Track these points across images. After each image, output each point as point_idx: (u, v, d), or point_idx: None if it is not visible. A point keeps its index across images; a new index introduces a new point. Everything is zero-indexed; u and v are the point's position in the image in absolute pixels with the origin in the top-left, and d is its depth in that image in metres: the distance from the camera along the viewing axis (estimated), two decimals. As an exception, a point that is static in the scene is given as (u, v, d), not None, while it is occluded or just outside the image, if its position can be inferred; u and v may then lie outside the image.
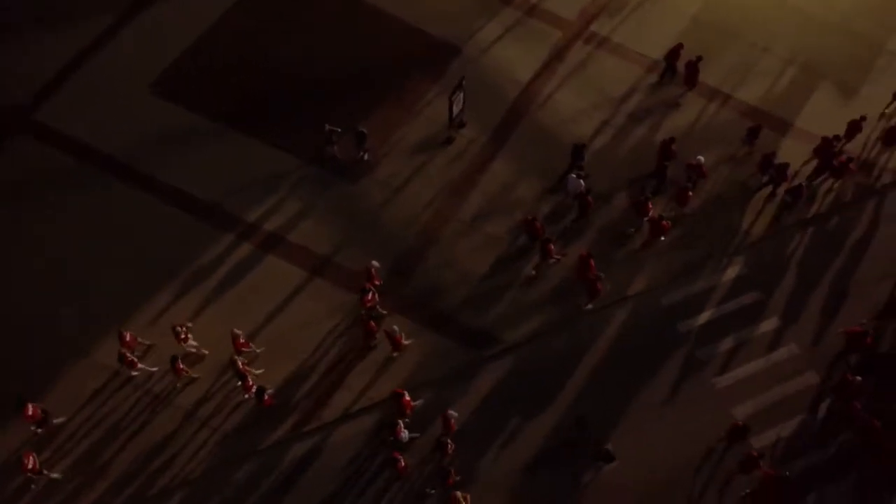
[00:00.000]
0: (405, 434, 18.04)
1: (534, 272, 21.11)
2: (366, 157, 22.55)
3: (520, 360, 20.01)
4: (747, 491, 17.98)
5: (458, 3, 25.97)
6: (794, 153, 23.04)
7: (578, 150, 21.91)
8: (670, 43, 24.57)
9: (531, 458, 18.67)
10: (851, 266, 21.83)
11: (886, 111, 24.35)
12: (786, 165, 21.85)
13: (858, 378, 18.80)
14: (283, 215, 21.67)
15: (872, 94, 24.64)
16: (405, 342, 19.39)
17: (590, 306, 20.59)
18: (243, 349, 18.90)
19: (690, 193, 21.66)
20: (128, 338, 18.57)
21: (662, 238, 21.42)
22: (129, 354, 18.45)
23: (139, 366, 18.81)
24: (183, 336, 18.67)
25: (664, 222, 20.90)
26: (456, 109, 22.60)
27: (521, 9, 26.15)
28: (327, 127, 21.84)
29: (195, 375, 19.19)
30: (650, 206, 21.22)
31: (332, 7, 25.65)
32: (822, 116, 24.09)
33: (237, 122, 23.10)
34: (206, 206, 21.66)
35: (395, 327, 19.14)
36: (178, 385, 19.14)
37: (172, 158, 22.32)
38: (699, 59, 23.43)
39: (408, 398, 18.26)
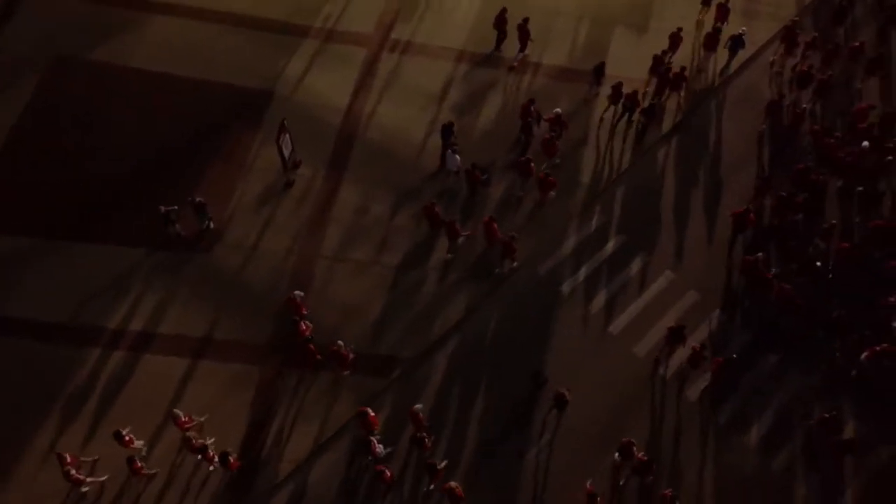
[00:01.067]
0: (381, 448, 17.94)
1: (449, 255, 21.55)
2: (210, 225, 21.79)
3: (461, 341, 20.44)
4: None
5: (252, 49, 25.56)
6: (628, 87, 23.99)
7: (447, 129, 22.54)
8: (468, 32, 25.79)
9: (500, 428, 19.13)
10: (716, 160, 23.93)
11: (700, 18, 26.51)
12: (634, 92, 23.33)
13: (759, 254, 20.60)
14: (145, 310, 20.55)
15: (661, 28, 26.35)
16: (351, 356, 19.21)
17: (515, 264, 21.38)
18: (188, 425, 18.04)
19: (557, 143, 22.59)
20: (68, 458, 17.25)
21: (553, 193, 22.28)
22: (73, 471, 17.21)
23: (88, 479, 17.67)
24: (128, 438, 17.66)
25: (550, 178, 21.75)
26: (287, 152, 22.25)
27: (319, 37, 26.11)
28: (162, 209, 20.87)
29: (154, 471, 18.14)
30: (532, 165, 22.04)
31: (126, 90, 24.51)
32: (626, 60, 25.64)
33: (63, 231, 21.69)
34: (60, 328, 20.19)
35: (340, 342, 19.00)
36: (139, 485, 18.00)
37: (6, 291, 20.66)
38: (526, 20, 24.62)
39: (372, 414, 18.14)
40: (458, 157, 22.39)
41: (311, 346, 19.03)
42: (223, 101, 24.42)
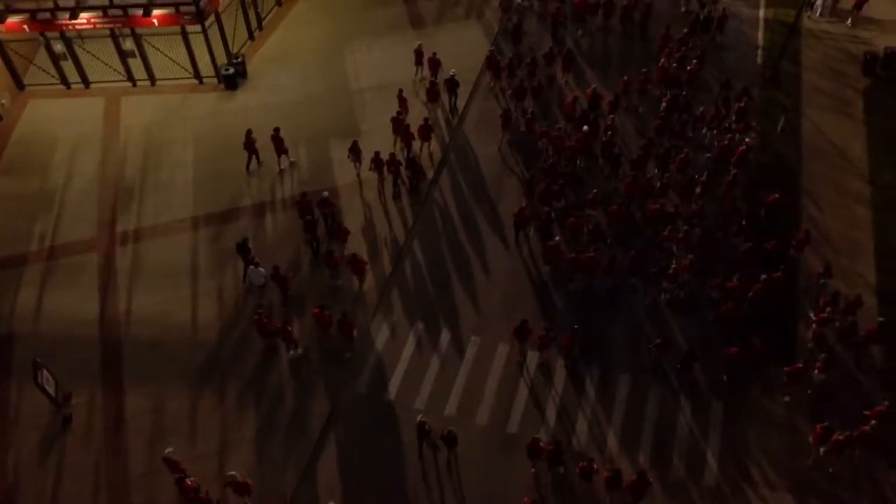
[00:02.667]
0: None
1: (294, 352, 21.76)
2: (-6, 502, 19.04)
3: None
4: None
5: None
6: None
7: (243, 246, 22.86)
8: (192, 196, 25.86)
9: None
10: (481, 183, 24.64)
11: (416, 79, 29.46)
12: (391, 155, 25.79)
13: (557, 237, 23.52)
14: None
15: (370, 129, 27.80)
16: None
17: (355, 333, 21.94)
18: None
19: (345, 228, 24.67)
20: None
21: (367, 269, 23.92)
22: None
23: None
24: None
25: (359, 258, 23.22)
26: (51, 389, 20.16)
27: (41, 259, 24.40)
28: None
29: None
30: (336, 255, 23.67)
31: None
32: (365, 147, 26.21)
33: None
34: None
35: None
36: None
37: None
38: (277, 129, 25.89)
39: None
40: (261, 269, 22.40)
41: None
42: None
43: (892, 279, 23.41)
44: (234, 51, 30.58)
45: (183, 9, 27.92)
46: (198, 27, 28.53)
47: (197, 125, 28.60)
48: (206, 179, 26.52)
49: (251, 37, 32.12)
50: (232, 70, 29.68)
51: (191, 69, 29.93)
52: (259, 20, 32.61)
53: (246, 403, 20.90)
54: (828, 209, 25.38)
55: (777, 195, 24.41)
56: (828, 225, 24.89)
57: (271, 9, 33.60)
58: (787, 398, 20.52)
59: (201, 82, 30.20)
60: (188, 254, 24.43)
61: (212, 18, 29.11)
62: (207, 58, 29.64)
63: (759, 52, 31.39)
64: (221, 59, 30.03)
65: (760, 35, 32.32)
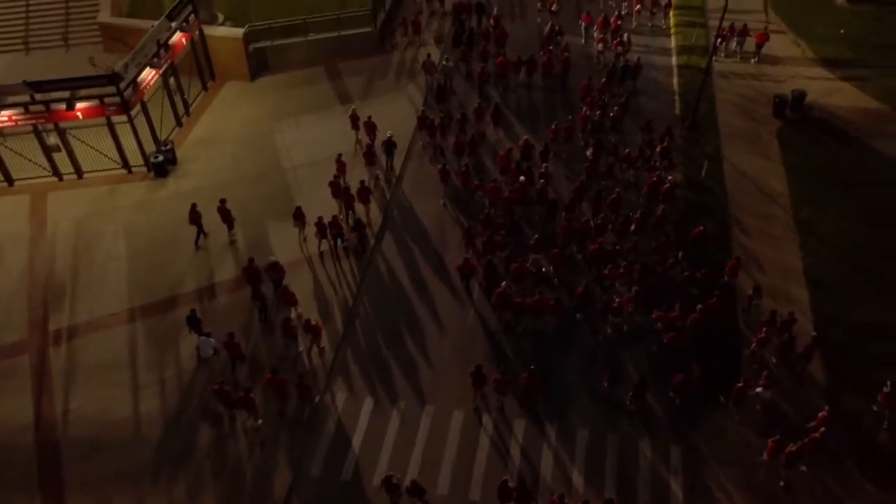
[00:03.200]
0: None
1: (257, 423, 21.21)
2: None
3: None
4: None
5: None
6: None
7: (192, 318, 22.77)
8: (127, 287, 25.29)
9: None
10: (425, 237, 24.48)
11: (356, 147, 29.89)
12: (334, 218, 25.89)
13: (503, 283, 24.44)
14: None
15: (309, 199, 27.58)
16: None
17: (317, 399, 22.12)
18: None
19: (291, 291, 24.36)
20: None
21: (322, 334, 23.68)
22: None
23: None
24: None
25: (314, 324, 23.13)
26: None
27: (-31, 367, 23.25)
28: None
29: None
30: (291, 322, 22.55)
31: None
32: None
33: None
34: None
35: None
36: None
37: None
38: (223, 201, 26.03)
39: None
40: (212, 339, 22.29)
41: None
42: None
43: (823, 297, 24.57)
44: (163, 138, 30.44)
45: (107, 100, 27.73)
46: (124, 117, 28.32)
47: (128, 216, 28.12)
48: (142, 269, 25.95)
49: (179, 123, 32.05)
50: (161, 157, 29.45)
51: (119, 160, 29.58)
52: (186, 106, 32.61)
53: (199, 493, 20.04)
54: (756, 236, 26.68)
55: (703, 227, 25.47)
56: (757, 251, 26.15)
57: (198, 94, 33.69)
58: (736, 417, 21.13)
59: (130, 172, 29.84)
60: (126, 348, 23.66)
61: (138, 108, 28.96)
62: (135, 147, 29.36)
63: (676, 96, 33.04)
64: (150, 147, 29.80)
65: (675, 81, 34.09)
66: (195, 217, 26.13)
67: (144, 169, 29.87)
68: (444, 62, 33.97)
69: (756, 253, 25.98)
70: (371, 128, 29.39)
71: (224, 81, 34.51)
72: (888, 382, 20.71)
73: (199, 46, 33.25)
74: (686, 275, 24.05)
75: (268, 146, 30.86)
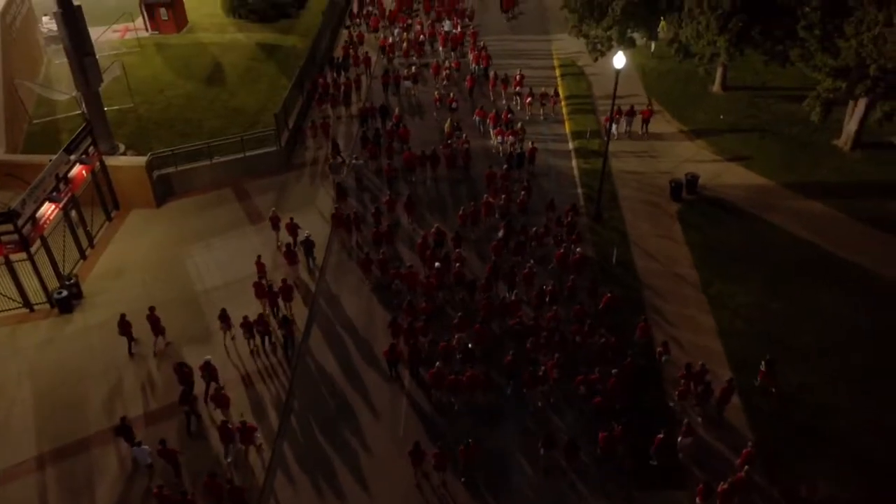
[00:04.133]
0: None
1: None
2: None
3: None
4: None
5: None
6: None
7: (124, 427, 22.26)
8: (37, 422, 23.64)
9: None
10: (343, 342, 23.81)
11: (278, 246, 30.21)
12: (259, 316, 24.19)
13: (437, 363, 24.88)
14: None
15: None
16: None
17: None
18: None
19: (226, 393, 23.84)
20: None
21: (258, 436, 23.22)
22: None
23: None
24: None
25: (249, 425, 23.07)
26: None
27: None
28: None
29: None
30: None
31: None
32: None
33: None
34: None
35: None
36: None
37: None
38: (152, 308, 26.23)
39: None
40: (146, 447, 21.85)
41: None
42: None
43: (734, 346, 25.97)
44: (66, 272, 29.30)
45: (5, 238, 26.65)
46: (23, 255, 27.22)
47: (31, 356, 26.52)
48: (50, 412, 24.30)
49: (83, 256, 30.98)
50: (65, 293, 28.25)
51: (19, 298, 28.21)
52: (90, 238, 31.66)
53: None
54: (669, 297, 28.14)
55: (611, 294, 26.91)
56: (668, 310, 27.69)
57: (102, 224, 32.82)
58: (654, 462, 22.12)
59: (32, 310, 28.43)
60: (36, 498, 21.83)
61: (38, 244, 27.93)
62: (37, 284, 28.14)
63: (576, 178, 35.42)
64: (53, 283, 28.60)
65: (574, 163, 36.47)
66: (125, 327, 25.97)
67: (48, 306, 28.54)
68: (353, 160, 35.53)
69: (667, 311, 27.67)
70: (293, 228, 30.22)
71: (129, 210, 33.83)
72: (763, 362, 23.74)
73: (101, 177, 32.68)
74: (602, 341, 24.99)
75: (179, 271, 30.13)
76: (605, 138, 32.95)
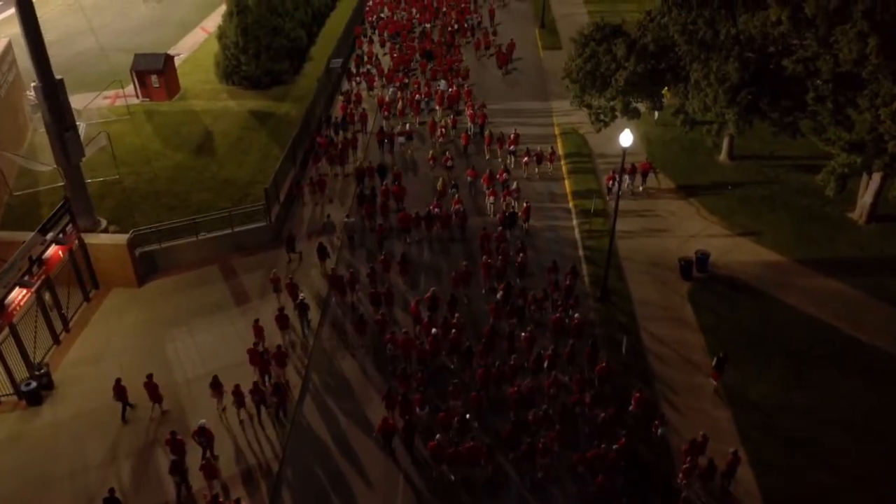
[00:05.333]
0: None
1: None
2: None
3: None
4: None
5: None
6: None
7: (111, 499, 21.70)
8: None
9: None
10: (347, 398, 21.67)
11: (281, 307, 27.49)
12: (255, 384, 23.57)
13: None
14: None
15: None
16: None
17: None
18: None
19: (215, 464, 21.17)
20: None
21: None
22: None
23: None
24: None
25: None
26: None
27: None
28: None
29: None
30: None
31: None
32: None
33: None
34: None
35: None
36: None
37: None
38: (150, 375, 25.41)
39: None
40: None
41: None
42: None
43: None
44: (37, 361, 27.37)
45: (-31, 328, 24.90)
46: (-12, 344, 25.43)
47: (-6, 455, 24.57)
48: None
49: (56, 341, 29.08)
50: (34, 384, 26.30)
51: (-17, 390, 26.30)
52: (65, 321, 29.81)
53: None
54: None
55: (605, 364, 26.03)
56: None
57: (79, 306, 31.02)
58: None
59: (-2, 403, 26.51)
60: None
61: (6, 332, 26.10)
62: (3, 375, 26.20)
63: (577, 238, 34.59)
64: (22, 372, 26.67)
65: (574, 223, 35.68)
66: (120, 391, 25.46)
67: (14, 398, 26.55)
68: (345, 220, 34.69)
69: (670, 377, 26.87)
70: (293, 289, 29.59)
71: (109, 289, 32.06)
72: (714, 359, 25.60)
73: (80, 255, 31.00)
74: (602, 415, 24.12)
75: (159, 359, 28.10)
76: (614, 220, 31.31)
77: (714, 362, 25.69)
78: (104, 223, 33.58)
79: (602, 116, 37.75)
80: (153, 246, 32.68)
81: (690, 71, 34.11)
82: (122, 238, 31.61)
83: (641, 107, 37.87)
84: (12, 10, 64.25)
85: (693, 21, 33.96)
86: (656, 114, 42.47)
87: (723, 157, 40.20)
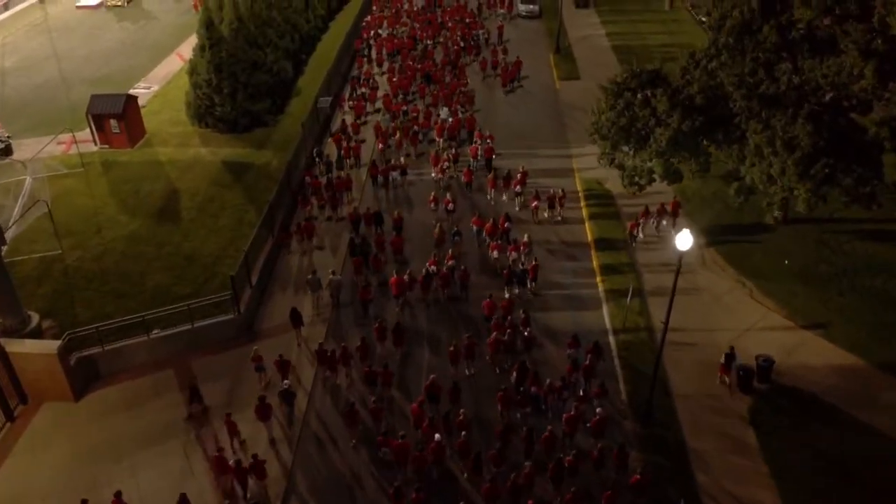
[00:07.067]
0: None
1: None
2: None
3: None
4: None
5: None
6: None
7: None
8: None
9: None
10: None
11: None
12: None
13: None
14: None
15: None
16: None
17: None
18: None
19: None
20: None
21: None
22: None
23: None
24: None
25: None
26: None
27: None
28: None
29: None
30: None
31: None
32: None
33: None
34: None
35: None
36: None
37: None
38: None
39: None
40: None
41: None
42: None
43: None
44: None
45: None
46: None
47: None
48: None
49: (-35, 482, 23.32)
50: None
51: None
52: (-21, 453, 24.04)
53: None
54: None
55: (639, 475, 21.67)
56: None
57: (2, 427, 25.23)
58: None
59: None
60: None
61: None
62: None
63: (602, 299, 30.11)
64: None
65: (598, 279, 31.23)
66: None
67: None
68: (330, 276, 30.16)
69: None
70: (282, 366, 26.05)
71: (40, 404, 26.22)
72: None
73: (1, 366, 25.20)
74: None
75: (90, 509, 22.26)
76: (662, 339, 25.10)
77: (723, 359, 25.21)
78: (36, 319, 27.63)
79: (637, 179, 31.82)
80: (94, 349, 26.78)
81: (748, 131, 28.10)
82: (52, 346, 25.63)
83: (685, 168, 31.81)
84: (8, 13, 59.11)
85: (751, 71, 27.93)
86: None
87: (776, 219, 34.05)
